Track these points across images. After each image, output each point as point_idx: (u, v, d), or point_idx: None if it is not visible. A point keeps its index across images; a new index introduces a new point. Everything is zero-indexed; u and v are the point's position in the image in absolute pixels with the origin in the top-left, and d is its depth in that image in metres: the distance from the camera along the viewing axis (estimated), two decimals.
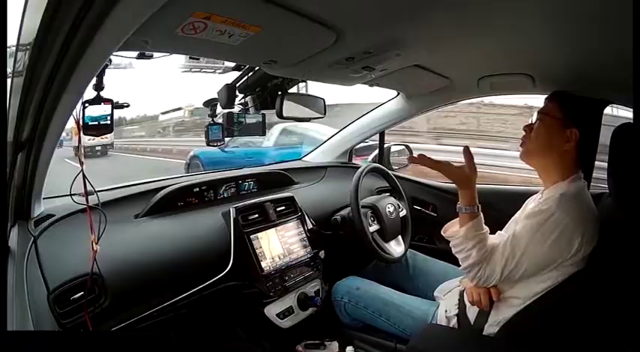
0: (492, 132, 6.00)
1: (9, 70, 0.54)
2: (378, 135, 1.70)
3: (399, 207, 1.39)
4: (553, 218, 0.80)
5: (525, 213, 0.88)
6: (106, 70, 0.70)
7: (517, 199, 1.06)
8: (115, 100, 0.73)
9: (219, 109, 1.11)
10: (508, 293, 0.89)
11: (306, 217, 1.25)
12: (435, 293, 1.10)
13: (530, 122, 0.94)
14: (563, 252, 0.80)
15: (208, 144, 1.08)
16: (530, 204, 0.98)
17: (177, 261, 0.95)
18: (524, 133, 0.95)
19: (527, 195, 1.06)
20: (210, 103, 1.10)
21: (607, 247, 0.80)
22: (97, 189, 0.77)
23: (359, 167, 1.33)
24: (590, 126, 0.91)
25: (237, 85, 1.10)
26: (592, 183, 1.07)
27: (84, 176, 0.72)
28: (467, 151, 0.91)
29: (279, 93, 1.11)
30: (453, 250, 0.90)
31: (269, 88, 1.12)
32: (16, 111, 0.60)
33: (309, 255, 1.20)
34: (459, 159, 0.91)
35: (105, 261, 0.79)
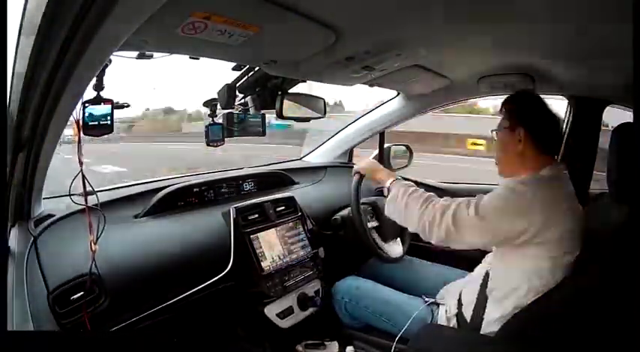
0: None
1: (9, 69, 0.54)
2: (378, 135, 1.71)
3: None
4: (516, 189, 0.85)
5: None
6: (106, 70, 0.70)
7: None
8: (115, 100, 0.73)
9: (219, 109, 1.11)
10: (505, 291, 0.89)
11: (306, 217, 1.25)
12: (438, 299, 1.09)
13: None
14: (519, 221, 0.82)
15: (208, 145, 1.08)
16: None
17: (177, 261, 0.95)
18: None
19: None
20: (211, 103, 1.10)
21: (607, 247, 0.80)
22: (96, 190, 0.77)
23: None
24: (537, 118, 0.91)
25: (237, 85, 1.10)
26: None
27: (83, 176, 0.72)
28: None
29: (279, 93, 1.11)
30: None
31: (269, 88, 1.12)
32: (16, 111, 0.60)
33: (309, 255, 1.20)
34: None
35: (105, 261, 0.79)
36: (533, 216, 0.82)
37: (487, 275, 0.95)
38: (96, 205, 0.78)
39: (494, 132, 0.98)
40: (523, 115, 0.92)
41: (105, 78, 0.72)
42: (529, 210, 0.82)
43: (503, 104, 0.97)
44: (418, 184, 1.68)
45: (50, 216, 0.88)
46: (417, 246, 1.51)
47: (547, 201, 0.82)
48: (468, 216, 0.86)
